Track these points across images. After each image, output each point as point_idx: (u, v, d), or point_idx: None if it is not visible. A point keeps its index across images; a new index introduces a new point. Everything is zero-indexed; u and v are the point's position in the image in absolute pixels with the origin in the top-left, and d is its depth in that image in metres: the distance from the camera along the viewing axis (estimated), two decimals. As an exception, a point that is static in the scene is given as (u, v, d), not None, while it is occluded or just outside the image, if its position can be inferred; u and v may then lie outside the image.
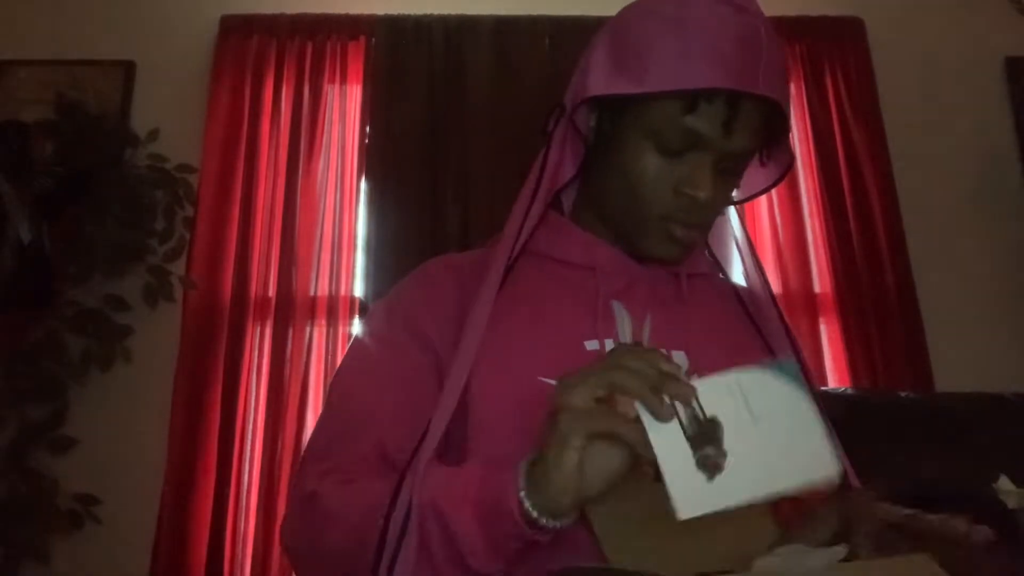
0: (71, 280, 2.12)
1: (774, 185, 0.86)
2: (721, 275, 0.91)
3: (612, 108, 0.77)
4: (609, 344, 0.75)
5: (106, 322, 2.16)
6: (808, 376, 0.84)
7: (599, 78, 0.76)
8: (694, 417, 0.53)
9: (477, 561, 0.59)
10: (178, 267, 2.24)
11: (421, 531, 0.60)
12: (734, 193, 0.88)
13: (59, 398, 2.10)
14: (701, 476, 0.51)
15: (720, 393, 0.54)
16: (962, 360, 2.30)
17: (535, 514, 0.57)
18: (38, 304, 2.06)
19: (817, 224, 2.42)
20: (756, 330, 0.86)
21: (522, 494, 0.57)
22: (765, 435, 0.53)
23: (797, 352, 0.84)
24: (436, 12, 2.48)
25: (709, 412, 0.53)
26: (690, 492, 0.51)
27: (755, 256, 0.89)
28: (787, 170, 0.84)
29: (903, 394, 1.87)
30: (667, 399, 0.54)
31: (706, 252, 0.90)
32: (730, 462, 0.52)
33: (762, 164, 0.84)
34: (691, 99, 0.71)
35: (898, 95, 2.52)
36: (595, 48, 0.78)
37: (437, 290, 0.81)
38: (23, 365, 2.04)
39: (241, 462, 2.13)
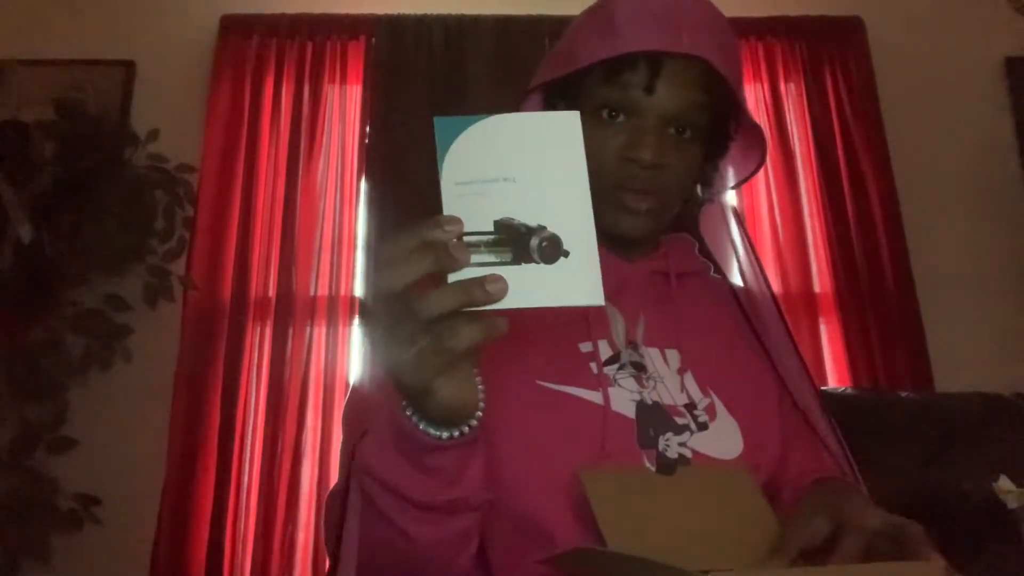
0: (71, 280, 2.12)
1: (758, 168, 0.87)
2: (716, 274, 0.91)
3: (568, 98, 0.82)
4: (603, 345, 0.76)
5: (106, 322, 2.16)
6: (810, 376, 0.85)
7: (540, 73, 0.83)
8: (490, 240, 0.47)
9: (410, 486, 0.57)
10: (178, 267, 2.24)
11: (361, 490, 0.60)
12: (729, 179, 0.89)
13: (59, 398, 2.10)
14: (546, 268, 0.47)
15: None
16: (962, 360, 2.30)
17: (418, 423, 0.54)
18: (38, 304, 2.06)
19: (817, 224, 2.42)
20: (751, 329, 0.86)
21: (403, 403, 0.54)
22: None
23: (797, 354, 0.85)
24: (436, 12, 2.48)
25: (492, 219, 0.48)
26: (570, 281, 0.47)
27: (755, 256, 0.89)
28: (764, 145, 0.85)
29: (903, 394, 1.87)
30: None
31: (695, 251, 0.90)
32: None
33: (731, 138, 0.85)
34: (611, 69, 0.76)
35: (898, 95, 2.53)
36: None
37: None
38: (23, 365, 2.04)
39: (241, 462, 2.13)
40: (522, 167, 0.48)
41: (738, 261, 0.89)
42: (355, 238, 2.34)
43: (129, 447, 2.15)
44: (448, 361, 0.48)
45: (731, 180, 0.89)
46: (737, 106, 0.80)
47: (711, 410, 0.75)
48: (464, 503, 0.60)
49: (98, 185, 2.15)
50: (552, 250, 0.47)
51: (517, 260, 0.47)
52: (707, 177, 0.87)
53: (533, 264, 0.47)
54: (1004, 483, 0.98)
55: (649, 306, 0.81)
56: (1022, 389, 1.85)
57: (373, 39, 2.47)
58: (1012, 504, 0.97)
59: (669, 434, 0.72)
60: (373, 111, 2.39)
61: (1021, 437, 1.64)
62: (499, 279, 0.46)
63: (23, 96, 2.37)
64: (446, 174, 0.48)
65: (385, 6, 2.49)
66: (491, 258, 0.47)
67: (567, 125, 0.48)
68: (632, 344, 0.77)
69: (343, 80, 2.46)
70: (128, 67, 2.45)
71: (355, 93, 2.46)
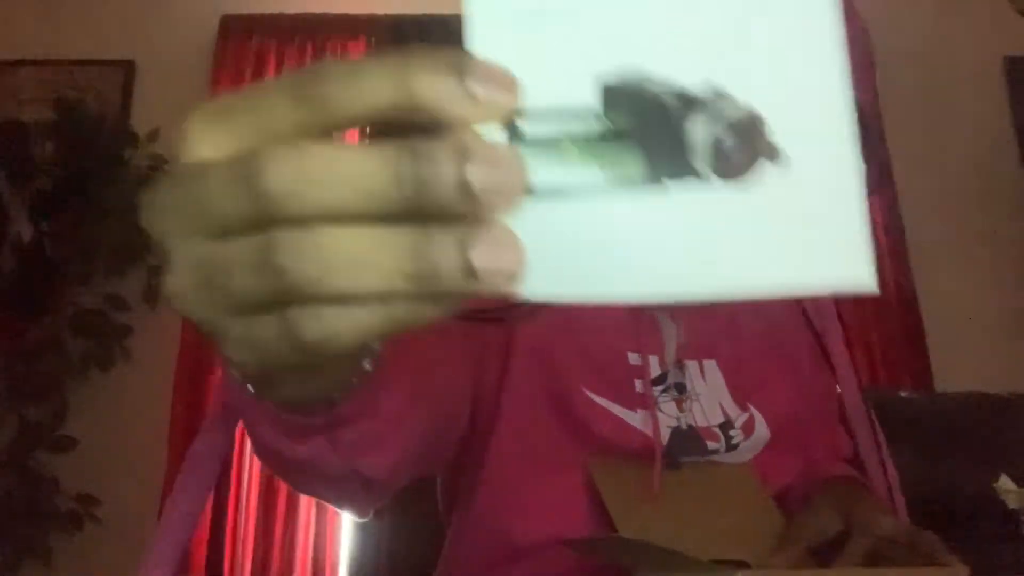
0: (71, 280, 2.12)
1: None
2: None
3: None
4: (653, 361, 0.69)
5: (106, 322, 2.16)
6: (855, 370, 0.80)
7: None
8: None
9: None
10: (178, 267, 2.24)
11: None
12: None
13: (59, 398, 2.10)
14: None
15: None
16: (962, 360, 2.30)
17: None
18: (38, 304, 2.06)
19: (817, 224, 2.42)
20: (801, 310, 0.81)
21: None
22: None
23: (847, 345, 0.80)
24: (436, 12, 2.48)
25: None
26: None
27: None
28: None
29: (903, 394, 1.87)
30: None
31: None
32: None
33: None
34: None
35: (898, 95, 2.52)
36: None
37: None
38: (23, 365, 2.04)
39: (241, 462, 2.13)
40: None
41: None
42: (355, 238, 2.34)
43: (129, 447, 2.15)
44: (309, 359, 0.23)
45: None
46: None
47: (749, 426, 0.71)
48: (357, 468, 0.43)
49: (98, 185, 2.15)
50: (744, 147, 0.21)
51: (656, 175, 0.21)
52: None
53: (701, 185, 0.21)
54: (1004, 483, 0.98)
55: (689, 309, 0.74)
56: (1022, 389, 1.85)
57: (373, 39, 2.47)
58: (1012, 504, 0.97)
59: (695, 457, 0.68)
60: (373, 111, 2.39)
61: (1021, 437, 1.64)
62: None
63: (23, 96, 2.37)
64: None
65: (385, 6, 2.49)
66: (586, 168, 0.21)
67: None
68: (679, 363, 0.71)
69: (343, 80, 2.46)
70: (128, 67, 2.45)
71: (355, 93, 2.46)
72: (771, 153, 0.21)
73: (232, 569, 2.05)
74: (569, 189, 0.21)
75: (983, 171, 2.52)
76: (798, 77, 0.21)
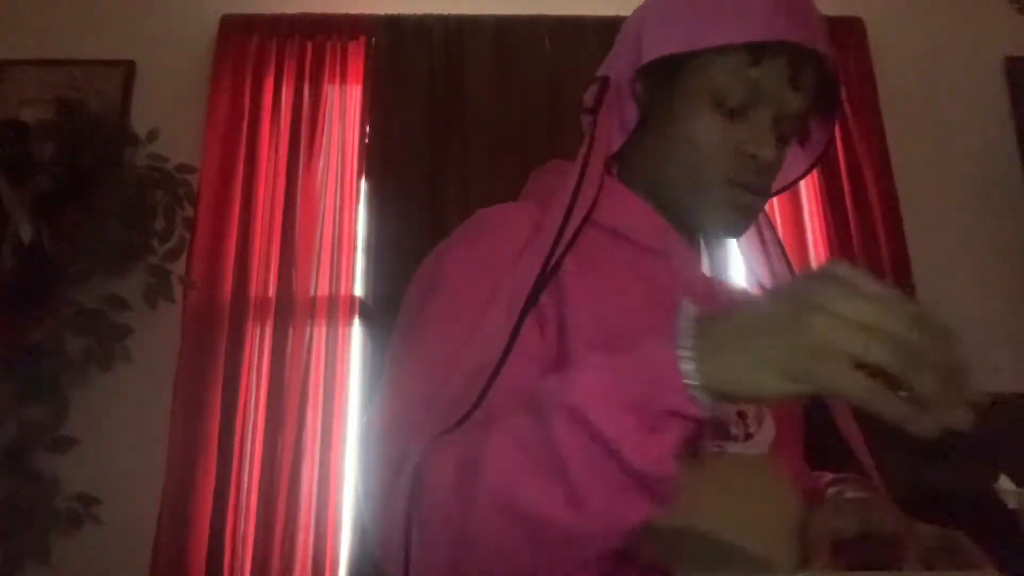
0: (71, 280, 2.12)
1: (806, 173, 0.82)
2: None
3: (665, 72, 0.72)
4: None
5: (106, 322, 2.16)
6: None
7: (655, 41, 0.72)
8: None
9: (631, 451, 0.48)
10: (178, 267, 2.24)
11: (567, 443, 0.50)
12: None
13: (59, 398, 2.10)
14: None
15: None
16: (962, 360, 2.29)
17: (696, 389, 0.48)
18: (38, 304, 2.06)
19: (817, 224, 2.42)
20: None
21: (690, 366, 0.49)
22: None
23: None
24: (436, 12, 2.48)
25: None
26: None
27: (786, 258, 0.83)
28: (821, 155, 0.80)
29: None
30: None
31: None
32: None
33: (801, 145, 0.80)
34: (756, 51, 0.67)
35: (898, 95, 2.52)
36: (644, 11, 0.75)
37: (515, 230, 0.73)
38: (23, 365, 2.04)
39: (241, 462, 2.12)
40: None
41: (769, 263, 0.84)
42: (355, 238, 2.34)
43: (129, 447, 2.15)
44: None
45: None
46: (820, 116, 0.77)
47: (759, 418, 0.71)
48: (659, 490, 0.50)
49: (98, 185, 2.15)
50: None
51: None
52: None
53: None
54: (1004, 483, 0.98)
55: (706, 301, 0.75)
56: (1022, 389, 1.85)
57: (373, 39, 2.47)
58: (1012, 504, 0.97)
59: (716, 442, 0.68)
60: (373, 111, 2.39)
61: (1021, 437, 1.64)
62: None
63: (23, 96, 2.37)
64: None
65: (385, 6, 2.49)
66: None
67: None
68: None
69: (343, 80, 2.46)
70: (128, 67, 2.45)
71: (355, 93, 2.46)
72: None
73: (232, 569, 2.05)
74: None
75: (983, 171, 2.52)
76: None
